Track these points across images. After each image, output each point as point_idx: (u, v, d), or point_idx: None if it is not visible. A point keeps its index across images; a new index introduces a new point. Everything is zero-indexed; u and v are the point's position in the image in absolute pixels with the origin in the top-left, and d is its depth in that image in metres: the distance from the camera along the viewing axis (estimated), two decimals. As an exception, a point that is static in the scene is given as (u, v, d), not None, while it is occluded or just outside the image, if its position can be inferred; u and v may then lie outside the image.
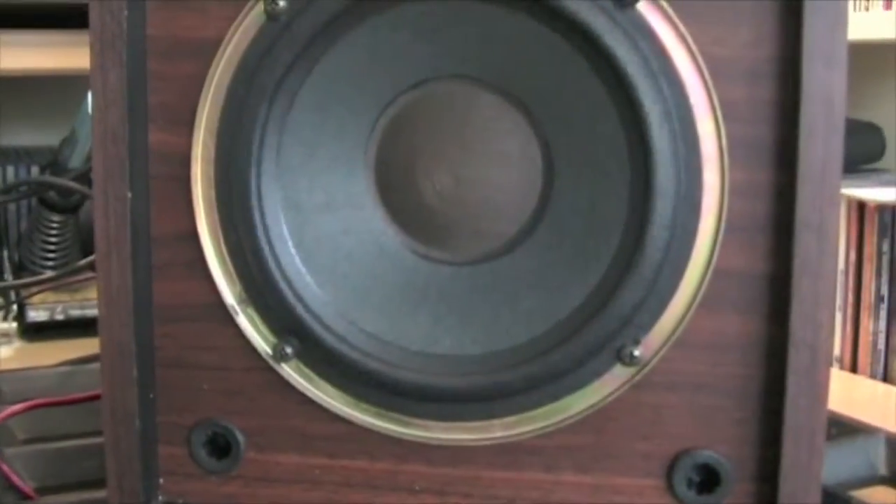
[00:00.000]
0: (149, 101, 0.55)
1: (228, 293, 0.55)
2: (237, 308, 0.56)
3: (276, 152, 0.54)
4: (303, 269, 0.54)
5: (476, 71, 0.54)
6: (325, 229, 0.55)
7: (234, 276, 0.55)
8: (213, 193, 0.55)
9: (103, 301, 0.55)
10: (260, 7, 0.53)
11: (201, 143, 0.54)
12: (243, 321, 0.56)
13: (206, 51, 0.54)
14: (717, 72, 0.51)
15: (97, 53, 0.54)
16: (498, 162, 0.54)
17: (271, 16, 0.52)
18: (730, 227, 0.51)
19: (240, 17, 0.53)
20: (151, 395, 0.57)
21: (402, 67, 0.54)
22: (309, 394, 0.56)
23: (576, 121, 0.53)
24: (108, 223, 0.55)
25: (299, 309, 0.54)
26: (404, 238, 0.56)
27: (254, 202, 0.53)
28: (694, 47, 0.51)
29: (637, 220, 0.51)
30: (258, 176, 0.53)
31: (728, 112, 0.51)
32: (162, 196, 0.55)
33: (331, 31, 0.52)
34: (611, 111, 0.51)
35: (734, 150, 0.51)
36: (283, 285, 0.54)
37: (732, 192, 0.51)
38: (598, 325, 0.52)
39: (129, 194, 0.54)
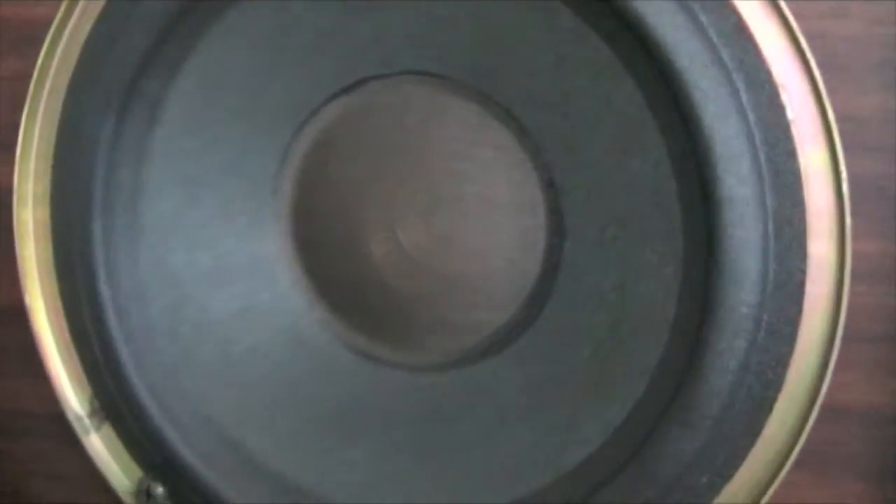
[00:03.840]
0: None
1: (75, 400, 0.37)
2: (88, 423, 0.37)
3: (131, 192, 0.35)
4: (178, 372, 0.36)
5: (443, 65, 0.34)
6: (215, 310, 0.36)
7: (84, 376, 0.37)
8: (51, 251, 0.36)
9: None
10: (107, -31, 0.34)
11: (31, 177, 0.36)
12: (96, 443, 0.37)
13: (38, 38, 0.36)
14: (834, 65, 0.29)
15: None
16: (478, 212, 0.34)
17: (119, -18, 0.34)
18: (852, 335, 0.30)
19: (74, -15, 0.34)
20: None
21: (328, 60, 0.35)
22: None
23: (599, 150, 0.32)
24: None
25: (169, 433, 0.35)
26: (335, 326, 0.36)
27: (100, 270, 0.35)
28: (794, 22, 0.29)
29: (692, 321, 0.30)
30: (107, 230, 0.35)
31: (853, 136, 0.29)
32: (-19, 254, 0.38)
33: (210, 4, 0.33)
34: (654, 135, 0.31)
35: (863, 205, 0.29)
36: (145, 397, 0.35)
37: (858, 275, 0.29)
38: (621, 488, 0.31)
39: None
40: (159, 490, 0.36)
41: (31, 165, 0.36)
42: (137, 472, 0.37)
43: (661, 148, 0.30)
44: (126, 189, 0.35)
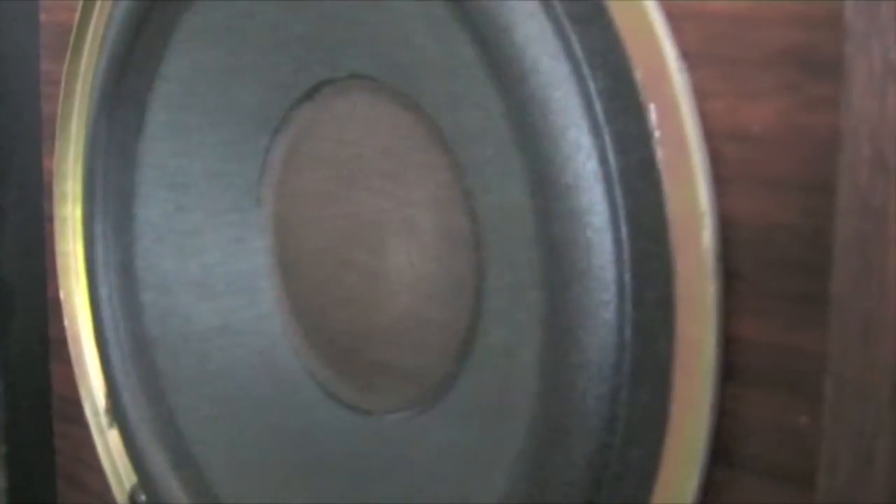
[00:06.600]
0: (42, 112, 0.39)
1: (99, 392, 0.38)
2: (104, 419, 0.38)
3: (126, 196, 0.34)
4: (160, 383, 0.34)
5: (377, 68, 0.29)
6: (197, 323, 0.34)
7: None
8: (88, 248, 0.37)
9: None
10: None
11: (70, 176, 0.38)
12: (111, 441, 0.38)
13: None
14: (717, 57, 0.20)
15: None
16: (413, 243, 0.29)
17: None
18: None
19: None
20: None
21: (285, 61, 0.31)
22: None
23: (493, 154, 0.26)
24: None
25: (141, 443, 0.34)
26: (306, 355, 0.33)
27: (99, 272, 0.35)
28: None
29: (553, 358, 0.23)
30: (106, 232, 0.35)
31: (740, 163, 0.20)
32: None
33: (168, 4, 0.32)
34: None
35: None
36: (128, 405, 0.35)
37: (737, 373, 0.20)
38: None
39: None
40: (142, 498, 0.36)
41: (71, 166, 0.37)
42: (133, 478, 0.36)
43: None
44: (122, 192, 0.34)
